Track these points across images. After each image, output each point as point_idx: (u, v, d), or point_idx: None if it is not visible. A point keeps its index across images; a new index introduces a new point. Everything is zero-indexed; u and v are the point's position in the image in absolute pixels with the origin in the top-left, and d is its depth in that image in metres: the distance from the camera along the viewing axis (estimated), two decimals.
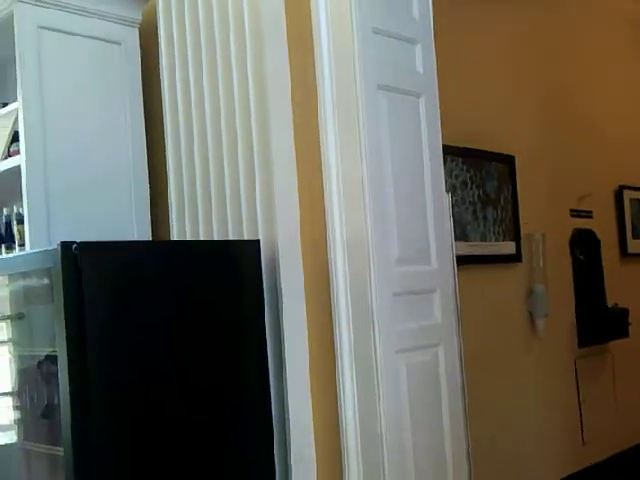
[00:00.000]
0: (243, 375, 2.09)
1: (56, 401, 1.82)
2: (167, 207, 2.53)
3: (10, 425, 2.21)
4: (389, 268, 2.25)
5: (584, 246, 4.30)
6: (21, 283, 2.16)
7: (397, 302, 2.27)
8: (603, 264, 4.42)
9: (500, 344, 3.63)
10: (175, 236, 2.47)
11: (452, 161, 3.40)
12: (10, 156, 2.48)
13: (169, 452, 1.92)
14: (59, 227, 2.33)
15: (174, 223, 2.48)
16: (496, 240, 3.66)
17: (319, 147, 2.27)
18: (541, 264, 3.86)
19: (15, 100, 2.43)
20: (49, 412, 1.88)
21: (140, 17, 2.66)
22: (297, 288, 2.18)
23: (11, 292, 2.20)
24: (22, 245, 2.42)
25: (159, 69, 2.56)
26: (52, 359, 1.84)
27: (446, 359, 2.42)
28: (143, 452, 1.88)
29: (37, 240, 2.30)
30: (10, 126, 2.50)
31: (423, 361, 2.35)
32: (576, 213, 4.31)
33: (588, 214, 4.40)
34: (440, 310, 2.43)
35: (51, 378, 1.86)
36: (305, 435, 2.15)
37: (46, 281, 1.91)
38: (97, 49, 2.56)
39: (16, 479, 2.21)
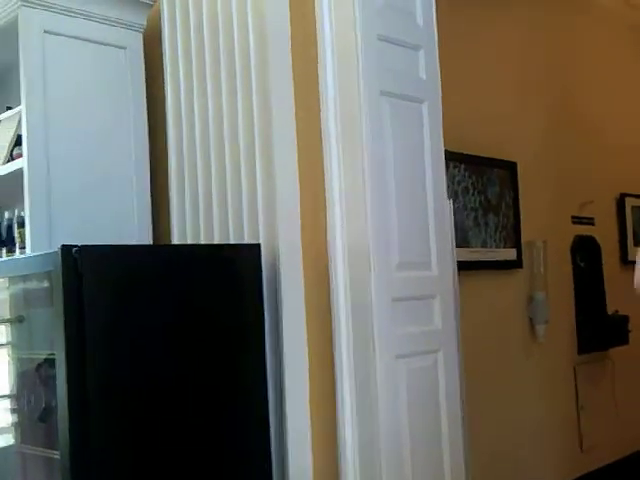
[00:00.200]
0: (242, 379, 2.09)
1: (54, 404, 1.82)
2: (169, 211, 2.53)
3: (8, 428, 2.21)
4: (389, 273, 2.26)
5: (585, 253, 4.30)
6: (21, 286, 2.16)
7: (397, 307, 2.27)
8: (604, 271, 4.42)
9: (500, 350, 3.63)
10: (176, 240, 2.47)
11: (454, 167, 3.40)
12: (13, 159, 2.49)
13: (166, 457, 1.92)
14: (60, 230, 2.34)
15: (175, 227, 2.49)
16: (497, 246, 3.66)
17: (321, 152, 2.27)
18: (542, 271, 3.86)
19: (19, 104, 2.43)
20: (47, 415, 1.88)
21: (145, 22, 2.67)
22: (297, 292, 2.18)
23: (11, 295, 2.20)
24: (23, 248, 2.42)
25: (163, 74, 2.57)
26: (51, 362, 1.84)
27: (446, 365, 2.41)
28: (141, 457, 1.88)
29: (38, 243, 2.31)
30: (13, 129, 2.51)
31: (422, 366, 2.34)
32: (577, 220, 4.31)
33: (590, 221, 4.40)
34: (440, 316, 2.43)
35: (50, 381, 1.86)
36: (302, 441, 2.15)
37: (46, 284, 1.91)
38: (101, 53, 2.56)
39: None
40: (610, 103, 4.74)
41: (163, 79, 2.57)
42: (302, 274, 2.20)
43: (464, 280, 2.88)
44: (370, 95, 2.25)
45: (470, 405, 2.66)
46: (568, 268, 4.19)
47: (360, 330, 2.20)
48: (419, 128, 2.44)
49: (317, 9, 2.28)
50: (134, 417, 1.87)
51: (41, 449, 2.00)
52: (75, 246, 1.80)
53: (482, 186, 3.61)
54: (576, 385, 4.13)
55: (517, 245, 3.78)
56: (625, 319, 4.39)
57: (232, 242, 2.27)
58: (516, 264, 3.77)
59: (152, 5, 2.68)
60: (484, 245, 3.58)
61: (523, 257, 3.80)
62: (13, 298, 2.20)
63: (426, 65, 2.47)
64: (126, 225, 2.52)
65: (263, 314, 2.15)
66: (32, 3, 2.40)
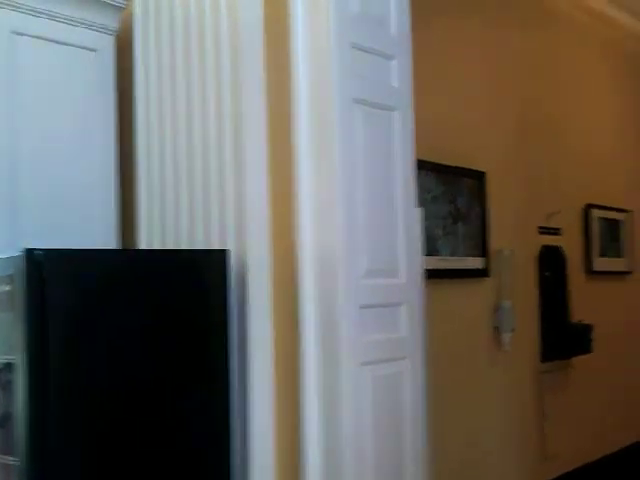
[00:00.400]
0: (206, 385, 2.08)
1: (12, 410, 1.78)
2: (137, 216, 2.51)
3: None
4: (357, 280, 2.26)
5: (551, 263, 4.36)
6: None
7: (364, 315, 2.27)
8: (569, 281, 4.49)
9: (466, 358, 3.66)
10: (143, 245, 2.45)
11: (425, 176, 3.42)
12: None
13: (128, 463, 1.90)
14: (25, 233, 2.29)
15: (143, 232, 2.46)
16: (465, 255, 3.70)
17: (292, 159, 2.27)
18: (509, 280, 3.91)
19: None
20: (4, 421, 1.84)
21: (117, 25, 2.64)
22: (264, 299, 2.18)
23: None
24: None
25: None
26: (10, 367, 1.80)
27: (411, 372, 2.42)
28: (101, 463, 1.85)
29: (2, 246, 2.26)
30: None
31: (388, 374, 2.35)
32: (544, 230, 4.37)
33: (556, 231, 4.47)
34: (407, 323, 2.44)
35: (8, 387, 1.82)
36: (265, 446, 2.14)
37: (8, 288, 1.87)
38: (71, 55, 2.53)
39: None
40: (578, 115, 4.82)
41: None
42: (270, 280, 2.20)
43: (432, 288, 2.90)
44: (342, 102, 2.26)
45: (435, 413, 2.67)
46: (534, 277, 4.25)
47: (326, 336, 2.21)
48: (390, 136, 2.45)
49: (291, 15, 2.28)
50: (95, 423, 1.85)
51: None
52: (39, 249, 1.77)
53: (452, 195, 3.64)
54: (540, 393, 4.18)
55: (485, 254, 3.82)
56: (589, 328, 4.46)
57: (200, 248, 2.25)
58: (483, 273, 3.81)
59: (124, 8, 2.65)
60: (453, 254, 3.61)
61: (490, 266, 3.84)
62: None
63: (399, 74, 2.48)
64: (93, 229, 2.49)
65: (229, 320, 2.14)
66: (0, 3, 2.36)
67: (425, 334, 2.60)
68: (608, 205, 4.98)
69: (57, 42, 2.48)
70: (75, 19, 2.53)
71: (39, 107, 2.43)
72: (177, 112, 2.38)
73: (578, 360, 4.48)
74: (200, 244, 2.27)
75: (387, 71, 2.46)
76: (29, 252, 1.76)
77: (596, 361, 4.60)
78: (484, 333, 3.83)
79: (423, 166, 3.32)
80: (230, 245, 2.19)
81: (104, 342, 1.87)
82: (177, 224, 2.36)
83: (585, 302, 4.60)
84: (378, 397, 2.28)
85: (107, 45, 2.61)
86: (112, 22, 2.62)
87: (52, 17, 2.47)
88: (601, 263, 4.88)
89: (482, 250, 3.80)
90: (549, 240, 4.39)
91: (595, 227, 4.84)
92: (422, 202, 3.37)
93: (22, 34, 2.40)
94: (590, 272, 4.79)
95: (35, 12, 2.43)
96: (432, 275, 3.11)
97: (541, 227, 4.34)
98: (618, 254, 5.10)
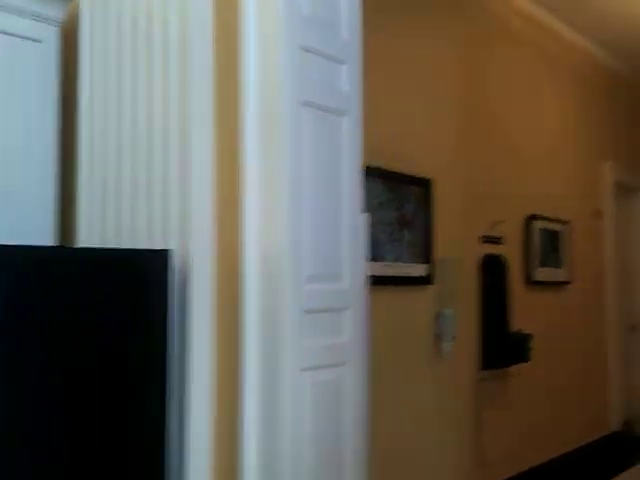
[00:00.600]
0: (144, 387, 2.02)
1: None
2: (76, 212, 2.44)
3: None
4: (300, 285, 2.24)
5: (493, 271, 4.43)
6: None
7: (306, 319, 2.26)
8: (509, 290, 4.57)
9: (407, 365, 3.68)
10: (83, 243, 2.38)
11: (372, 182, 3.43)
12: None
13: (59, 462, 1.83)
14: None
15: (82, 229, 2.39)
16: (410, 262, 3.72)
17: (239, 160, 2.25)
18: (451, 288, 3.95)
19: None
20: None
21: (62, 16, 2.57)
22: (206, 301, 2.14)
23: None
24: None
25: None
26: None
27: (352, 378, 2.42)
28: (30, 463, 1.78)
29: None
30: None
31: (328, 379, 2.34)
32: (487, 239, 4.44)
33: (498, 240, 4.54)
34: (349, 329, 2.44)
35: None
36: (203, 452, 2.10)
37: None
38: (15, 46, 2.45)
39: None
40: (522, 129, 4.92)
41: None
42: (213, 282, 2.16)
43: (376, 294, 2.90)
44: (291, 104, 2.24)
45: (376, 419, 2.67)
46: (476, 286, 4.31)
47: (268, 341, 2.18)
48: (339, 141, 2.45)
49: (241, 15, 2.26)
50: (22, 422, 1.77)
51: None
52: None
53: (398, 202, 3.66)
54: (479, 401, 4.24)
55: (429, 261, 3.85)
56: (527, 337, 4.55)
57: (142, 247, 2.20)
58: (427, 280, 3.84)
59: (69, 0, 2.58)
60: (397, 260, 3.63)
61: (434, 273, 3.88)
62: None
63: (349, 78, 2.48)
64: (29, 225, 2.40)
65: (170, 321, 2.09)
66: None
67: (367, 340, 2.60)
68: (549, 216, 5.10)
69: (1, 32, 2.40)
70: (18, 8, 2.45)
71: None
72: (122, 108, 2.33)
73: (516, 369, 4.57)
74: (142, 243, 2.22)
75: (337, 75, 2.45)
76: None
77: (534, 370, 4.69)
78: (425, 340, 3.86)
79: (370, 172, 3.33)
80: (173, 245, 2.15)
81: (34, 342, 1.80)
82: (118, 222, 2.30)
83: (524, 311, 4.69)
84: (318, 402, 2.27)
85: (52, 36, 2.54)
86: (58, 13, 2.55)
87: None
88: (541, 273, 4.99)
89: (426, 257, 3.83)
90: (491, 249, 4.47)
91: (536, 237, 4.95)
92: (368, 208, 3.38)
93: None
94: (530, 282, 4.89)
95: None
96: (376, 281, 3.13)
97: (484, 236, 4.41)
98: (557, 264, 5.23)
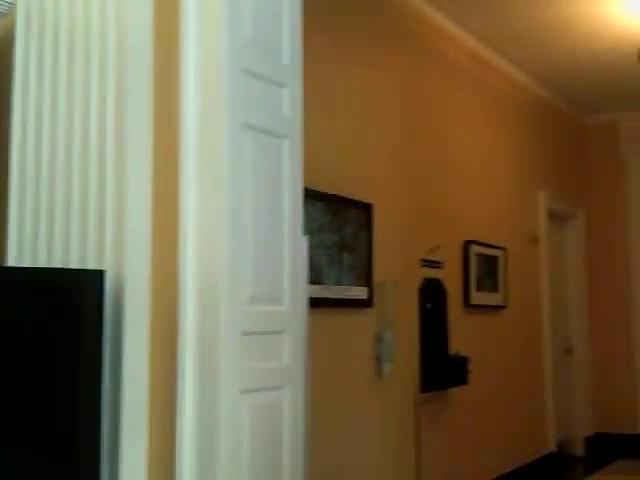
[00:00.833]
0: (73, 418, 1.95)
1: None
2: (7, 230, 2.37)
3: None
4: (239, 306, 2.23)
5: (432, 295, 4.50)
6: None
7: (245, 342, 2.24)
8: (448, 313, 4.65)
9: (347, 387, 3.69)
10: (12, 262, 2.31)
11: (312, 205, 3.45)
12: None
13: None
14: None
15: (11, 248, 2.32)
16: (350, 285, 3.74)
17: (178, 180, 2.23)
18: (391, 310, 3.99)
19: None
20: None
21: None
22: (142, 323, 2.10)
23: None
24: None
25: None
26: None
27: (290, 401, 2.40)
28: None
29: None
30: None
31: (267, 402, 2.32)
32: (426, 263, 4.51)
33: (437, 265, 4.62)
34: (288, 352, 2.43)
35: None
36: (138, 473, 2.05)
37: None
38: None
39: None
40: (460, 157, 5.05)
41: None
42: (149, 304, 2.12)
43: (316, 317, 2.91)
44: (232, 126, 2.24)
45: (315, 441, 2.66)
46: (416, 309, 4.36)
47: (206, 363, 2.16)
48: (279, 163, 2.46)
49: (182, 36, 2.26)
50: None
51: None
52: None
53: (339, 225, 3.69)
54: (418, 423, 4.27)
55: (369, 284, 3.88)
56: (465, 360, 4.62)
57: (75, 267, 2.14)
58: (367, 303, 3.87)
59: (5, 13, 2.53)
60: (337, 283, 3.65)
61: (374, 296, 3.91)
62: None
63: (290, 102, 2.50)
64: None
65: (102, 346, 2.04)
66: None
67: (307, 363, 2.60)
68: (485, 242, 5.22)
69: None
70: None
71: None
72: (56, 125, 2.28)
73: (455, 391, 4.63)
74: (75, 263, 2.16)
75: (278, 99, 2.47)
76: None
77: (472, 392, 4.76)
78: (365, 363, 3.88)
79: (311, 195, 3.36)
80: (107, 266, 2.10)
81: None
82: (50, 241, 2.24)
83: (462, 334, 4.77)
84: (256, 425, 2.24)
85: None
86: None
87: None
88: (478, 297, 5.09)
89: (366, 280, 3.87)
90: (431, 273, 4.54)
91: (473, 262, 5.05)
92: (309, 231, 3.40)
93: None
94: (468, 305, 4.99)
95: None
96: (317, 304, 3.13)
97: (423, 260, 4.48)
98: (494, 289, 5.34)
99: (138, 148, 2.15)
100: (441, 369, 4.45)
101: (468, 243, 5.00)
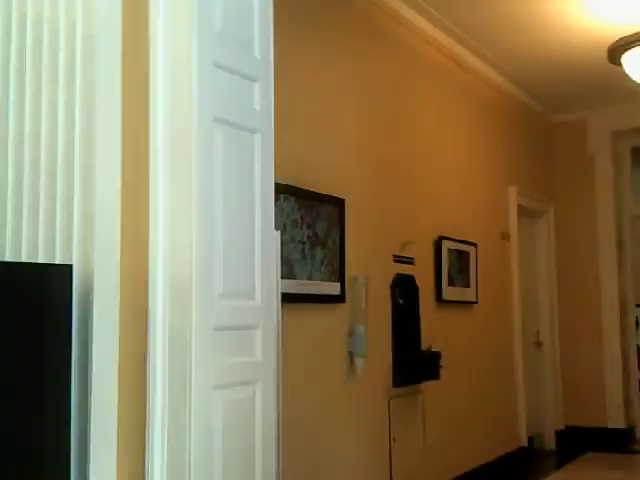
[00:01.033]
0: (38, 416, 1.91)
1: None
2: None
3: None
4: (211, 301, 2.22)
5: (404, 290, 4.52)
6: None
7: (217, 337, 2.23)
8: (420, 309, 4.67)
9: (319, 382, 3.69)
10: None
11: (284, 199, 3.45)
12: None
13: None
14: None
15: None
16: (322, 280, 3.75)
17: (147, 174, 2.21)
18: (363, 306, 4.00)
19: None
20: None
21: None
22: (111, 317, 2.07)
23: None
24: None
25: None
26: None
27: (263, 396, 2.40)
28: None
29: None
30: None
31: (240, 398, 2.32)
32: (399, 259, 4.53)
33: (410, 260, 4.65)
34: (261, 347, 2.42)
35: None
36: (108, 471, 2.03)
37: None
38: None
39: None
40: (433, 152, 5.08)
41: None
42: (117, 298, 2.10)
43: (288, 312, 2.91)
44: (202, 120, 2.23)
45: (286, 436, 2.66)
46: (388, 304, 4.38)
47: (177, 359, 2.14)
48: (251, 158, 2.45)
49: (152, 30, 2.24)
50: None
51: None
52: None
53: (311, 220, 3.69)
54: (390, 417, 4.29)
55: (341, 280, 3.89)
56: (437, 355, 4.66)
57: (41, 261, 2.10)
58: (340, 298, 3.87)
59: None
60: (310, 278, 3.65)
61: (346, 292, 3.92)
62: None
63: (261, 96, 2.49)
64: None
65: (70, 343, 2.00)
66: None
67: (279, 358, 2.60)
68: (457, 237, 5.26)
69: None
70: None
71: None
72: (22, 121, 2.25)
73: (426, 386, 4.66)
74: (41, 257, 2.13)
75: (249, 93, 2.46)
76: None
77: (444, 387, 4.80)
78: (338, 358, 3.89)
79: (283, 190, 3.35)
80: (74, 260, 2.08)
81: None
82: (17, 234, 2.20)
83: (434, 329, 4.80)
84: (229, 421, 2.23)
85: None
86: None
87: None
88: (450, 292, 5.13)
89: (339, 275, 3.87)
90: (403, 269, 4.56)
91: (445, 258, 5.08)
92: (281, 225, 3.39)
93: None
94: (440, 301, 5.02)
95: None
96: (289, 299, 3.13)
97: (396, 256, 4.50)
98: (466, 284, 5.39)
99: (106, 142, 2.12)
100: (413, 364, 4.48)
101: (440, 239, 5.04)
